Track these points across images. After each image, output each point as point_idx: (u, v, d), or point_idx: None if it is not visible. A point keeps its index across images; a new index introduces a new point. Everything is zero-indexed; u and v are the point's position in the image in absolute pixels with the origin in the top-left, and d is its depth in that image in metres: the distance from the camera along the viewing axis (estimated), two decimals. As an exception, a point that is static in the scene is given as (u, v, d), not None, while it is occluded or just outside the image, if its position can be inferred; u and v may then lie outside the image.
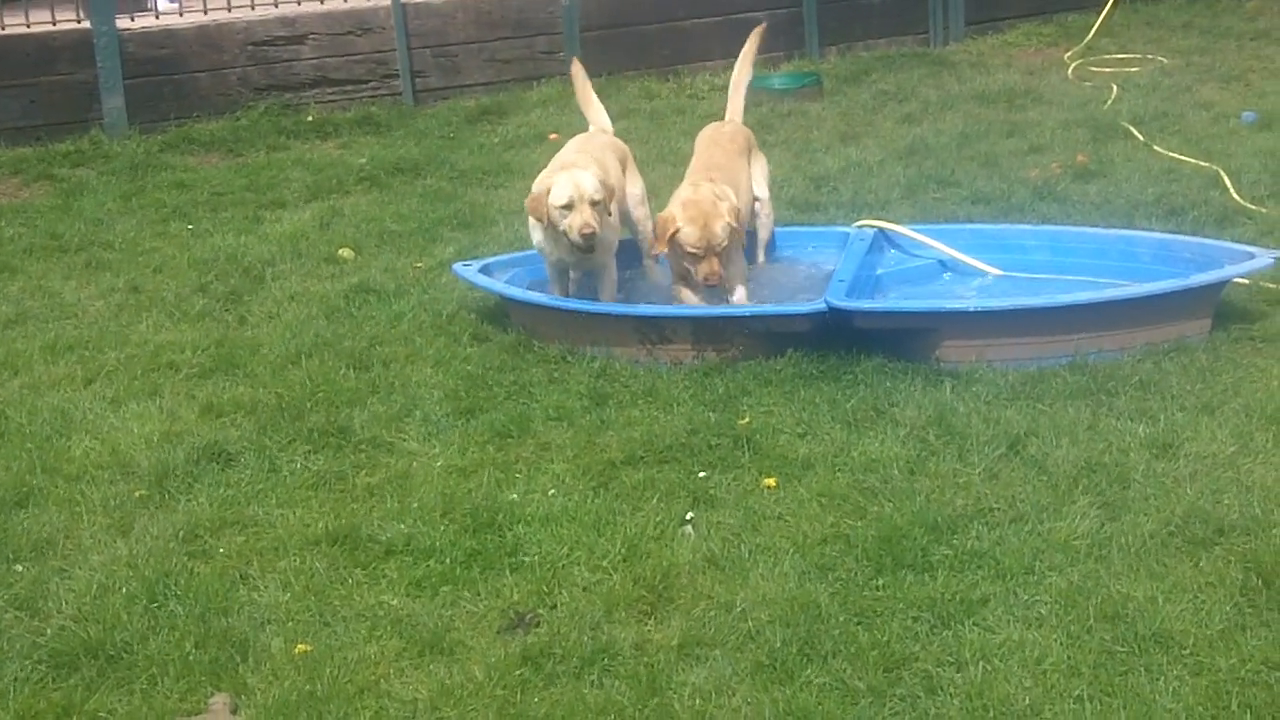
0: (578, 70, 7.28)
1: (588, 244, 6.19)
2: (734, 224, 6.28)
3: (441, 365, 6.23)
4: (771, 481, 5.08)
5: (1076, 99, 10.79)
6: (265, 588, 4.59)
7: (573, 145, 6.84)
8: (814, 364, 5.99)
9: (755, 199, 6.96)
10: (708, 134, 7.10)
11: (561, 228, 6.21)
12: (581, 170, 6.29)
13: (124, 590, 4.57)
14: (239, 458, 5.49)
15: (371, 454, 5.50)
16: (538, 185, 6.33)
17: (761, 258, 7.09)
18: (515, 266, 7.00)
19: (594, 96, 7.18)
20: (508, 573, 4.58)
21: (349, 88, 11.45)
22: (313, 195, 9.24)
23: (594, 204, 6.17)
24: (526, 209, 6.40)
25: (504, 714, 3.89)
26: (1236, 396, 5.46)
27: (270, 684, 4.10)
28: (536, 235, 6.52)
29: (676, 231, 6.25)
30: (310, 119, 10.98)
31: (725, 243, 6.24)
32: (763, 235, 7.10)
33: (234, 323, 6.98)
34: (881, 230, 7.10)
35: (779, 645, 4.10)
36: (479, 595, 4.48)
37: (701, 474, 5.17)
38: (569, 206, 6.16)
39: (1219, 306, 6.15)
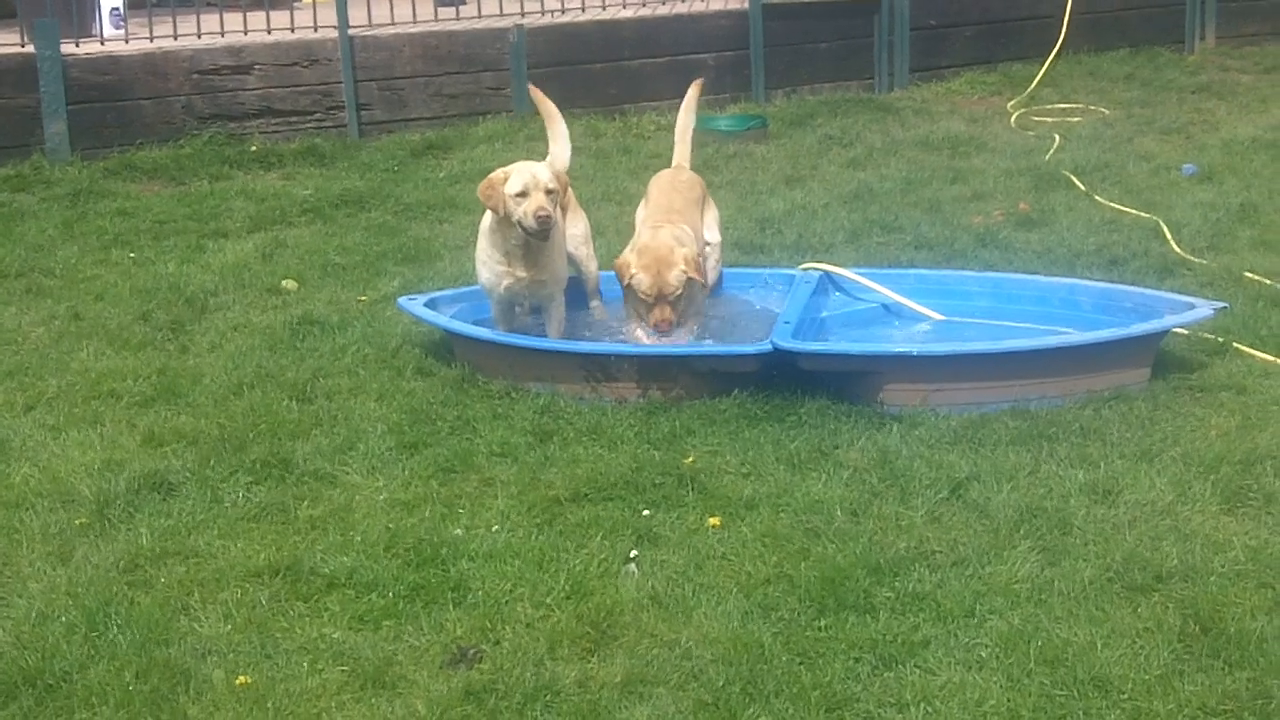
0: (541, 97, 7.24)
1: (543, 228, 6.21)
2: (690, 274, 6.30)
3: (385, 399, 6.21)
4: (715, 521, 5.08)
5: (1019, 147, 10.94)
6: (206, 619, 4.54)
7: None
8: (759, 405, 6.02)
9: (706, 243, 7.00)
10: (665, 179, 7.14)
11: (516, 217, 6.23)
12: (536, 162, 6.35)
13: (63, 619, 4.51)
14: (180, 488, 5.44)
15: (314, 486, 5.47)
16: (493, 174, 6.35)
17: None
18: (460, 301, 7.00)
19: (562, 128, 7.15)
20: (451, 608, 4.56)
21: (294, 119, 11.45)
22: (256, 226, 9.22)
23: (548, 192, 6.20)
24: (479, 195, 6.38)
25: (446, 750, 3.87)
26: (1175, 445, 5.52)
27: (211, 715, 4.05)
28: (484, 273, 6.53)
29: (631, 278, 6.29)
30: (254, 149, 10.97)
31: (678, 291, 6.27)
32: (711, 278, 7.14)
33: (176, 352, 6.93)
34: (826, 273, 7.15)
35: (722, 684, 4.09)
36: (422, 630, 4.45)
37: (646, 512, 5.17)
38: (524, 194, 6.18)
39: (1159, 356, 6.24)
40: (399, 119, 11.74)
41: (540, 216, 6.17)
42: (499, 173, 6.33)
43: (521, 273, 6.40)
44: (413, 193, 9.85)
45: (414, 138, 11.35)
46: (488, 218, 6.44)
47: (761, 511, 5.14)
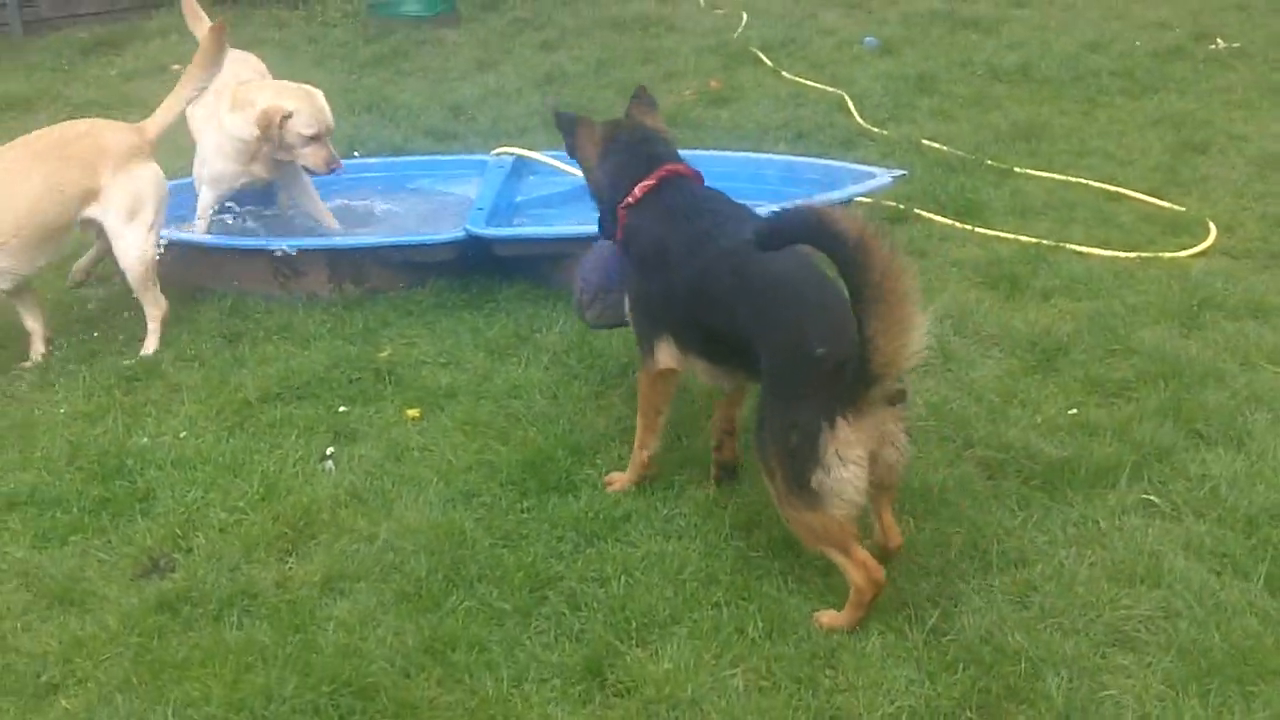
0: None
1: (334, 173, 6.16)
2: None
3: (61, 309, 5.94)
4: (415, 413, 5.03)
5: (709, 26, 11.02)
6: (-127, 549, 4.30)
7: (245, 66, 6.64)
8: (456, 294, 5.96)
9: None
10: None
11: (301, 159, 6.07)
12: (311, 88, 6.12)
13: None
14: None
15: (-12, 403, 5.22)
16: (269, 106, 6.02)
17: None
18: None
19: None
20: (140, 518, 4.41)
21: (-49, 17, 10.78)
22: (-87, 130, 8.67)
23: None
24: (257, 126, 6.06)
25: (140, 662, 3.74)
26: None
27: (-117, 648, 3.85)
28: (218, 165, 6.24)
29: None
30: (-91, 52, 10.30)
31: None
32: None
33: None
34: (520, 157, 7.09)
35: (424, 574, 4.06)
36: (110, 543, 4.30)
37: (342, 409, 5.08)
38: (316, 138, 6.01)
39: (843, 224, 6.37)
40: (66, 15, 11.15)
41: (334, 168, 6.09)
42: (275, 105, 6.02)
43: (262, 173, 6.25)
44: (84, 92, 9.40)
45: (83, 35, 10.81)
46: (264, 101, 6.11)
47: (461, 400, 5.10)
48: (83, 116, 8.85)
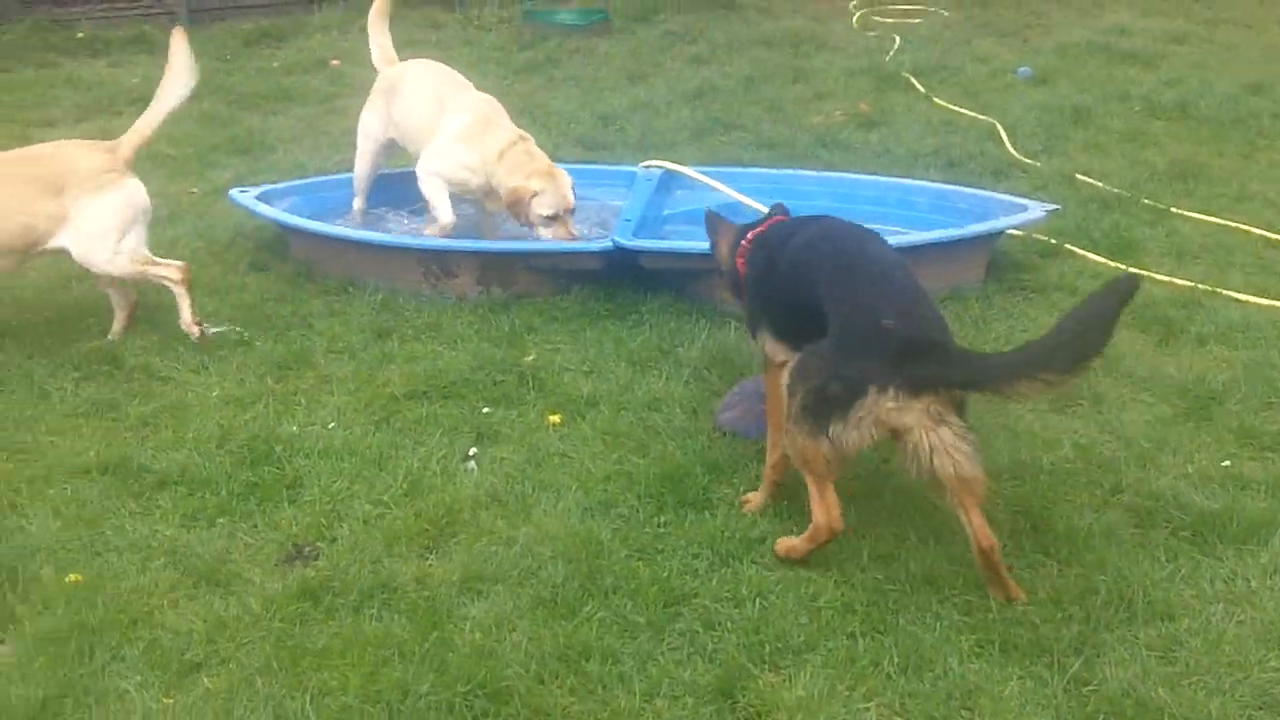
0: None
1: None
2: None
3: (217, 294, 6.07)
4: (556, 418, 5.06)
5: (860, 48, 10.98)
6: (35, 516, 4.42)
7: (451, 85, 6.76)
8: (601, 303, 5.99)
9: None
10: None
11: (541, 234, 6.22)
12: (563, 173, 6.29)
13: (-120, 519, 4.36)
14: (5, 383, 5.27)
15: (145, 383, 5.34)
16: (518, 187, 6.21)
17: None
18: (294, 195, 6.84)
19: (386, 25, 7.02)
20: (286, 505, 4.49)
21: (121, 4, 11.07)
22: (84, 115, 8.91)
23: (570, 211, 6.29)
24: (507, 205, 6.28)
25: (281, 647, 3.81)
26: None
27: (40, 614, 3.95)
28: (460, 176, 6.43)
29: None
30: (81, 35, 10.57)
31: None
32: None
33: None
34: (668, 171, 7.12)
35: (560, 581, 4.09)
36: (256, 528, 4.38)
37: (486, 410, 5.13)
38: (554, 217, 6.18)
39: (993, 257, 6.32)
40: (231, 6, 11.39)
41: (576, 240, 6.21)
42: (525, 186, 6.20)
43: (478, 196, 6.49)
44: (245, 83, 9.58)
45: (247, 26, 11.03)
46: (465, 127, 6.37)
47: (602, 409, 5.13)
48: (244, 106, 9.08)
